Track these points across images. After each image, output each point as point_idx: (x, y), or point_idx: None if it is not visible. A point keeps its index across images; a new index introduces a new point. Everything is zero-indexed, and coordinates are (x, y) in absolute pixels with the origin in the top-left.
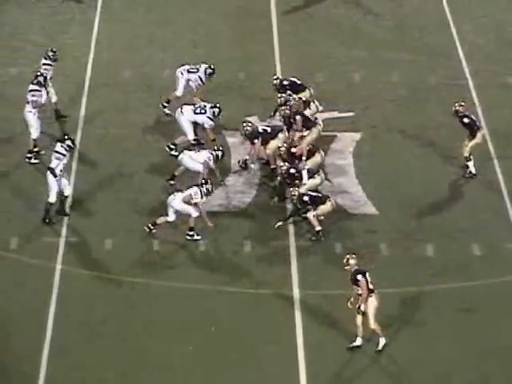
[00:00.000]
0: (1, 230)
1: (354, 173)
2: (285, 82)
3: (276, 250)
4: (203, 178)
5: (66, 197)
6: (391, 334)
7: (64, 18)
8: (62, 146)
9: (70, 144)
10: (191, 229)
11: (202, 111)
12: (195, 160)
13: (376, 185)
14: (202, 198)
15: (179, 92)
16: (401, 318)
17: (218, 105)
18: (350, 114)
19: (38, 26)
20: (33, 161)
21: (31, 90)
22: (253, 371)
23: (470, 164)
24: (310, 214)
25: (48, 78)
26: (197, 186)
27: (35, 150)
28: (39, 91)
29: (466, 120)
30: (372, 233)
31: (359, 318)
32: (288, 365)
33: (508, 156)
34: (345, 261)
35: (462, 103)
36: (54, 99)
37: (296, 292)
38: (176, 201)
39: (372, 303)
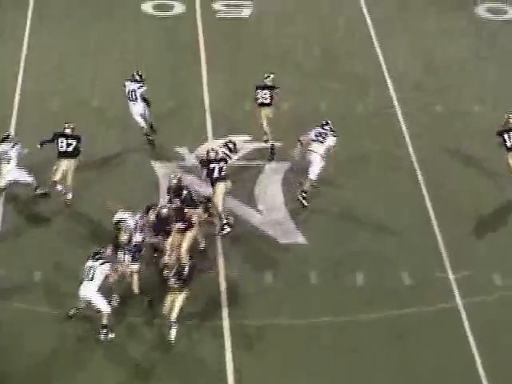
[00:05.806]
0: None
1: (283, 203)
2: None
3: (206, 281)
4: None
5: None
6: (325, 363)
7: None
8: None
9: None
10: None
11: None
12: None
13: (305, 214)
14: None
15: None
16: (335, 346)
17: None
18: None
19: None
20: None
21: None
22: None
23: None
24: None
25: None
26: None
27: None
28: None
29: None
30: (302, 262)
31: None
32: None
33: (434, 182)
34: None
35: None
36: None
37: (226, 323)
38: None
39: None
